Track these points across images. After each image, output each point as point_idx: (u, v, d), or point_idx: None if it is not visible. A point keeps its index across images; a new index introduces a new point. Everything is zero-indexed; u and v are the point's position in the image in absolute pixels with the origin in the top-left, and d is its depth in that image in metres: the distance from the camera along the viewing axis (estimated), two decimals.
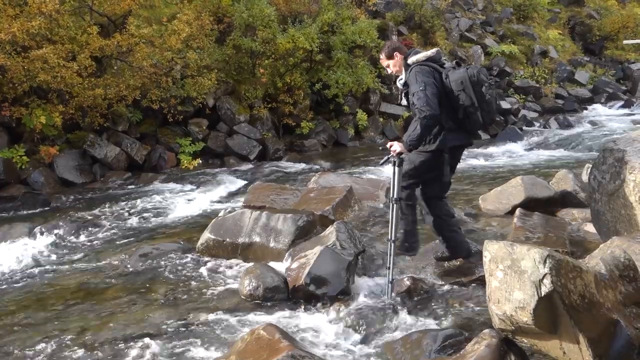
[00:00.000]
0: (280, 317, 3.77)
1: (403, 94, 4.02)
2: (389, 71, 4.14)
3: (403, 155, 3.91)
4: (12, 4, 8.44)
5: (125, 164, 9.61)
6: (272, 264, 4.52)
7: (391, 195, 3.93)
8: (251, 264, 4.67)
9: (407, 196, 4.05)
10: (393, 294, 3.86)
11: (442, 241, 4.26)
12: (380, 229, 5.56)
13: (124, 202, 7.64)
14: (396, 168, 3.88)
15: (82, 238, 6.09)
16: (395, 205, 3.89)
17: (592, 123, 15.04)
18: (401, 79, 4.02)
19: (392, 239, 3.90)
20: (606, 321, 2.47)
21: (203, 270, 4.76)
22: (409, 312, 3.68)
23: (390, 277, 3.88)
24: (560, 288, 2.36)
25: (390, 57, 4.08)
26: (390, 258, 3.89)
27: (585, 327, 2.39)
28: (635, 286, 2.68)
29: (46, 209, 7.57)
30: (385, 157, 3.99)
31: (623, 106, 17.83)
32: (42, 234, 6.09)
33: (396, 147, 3.87)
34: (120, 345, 3.49)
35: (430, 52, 3.92)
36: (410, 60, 3.92)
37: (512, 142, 12.63)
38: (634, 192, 3.62)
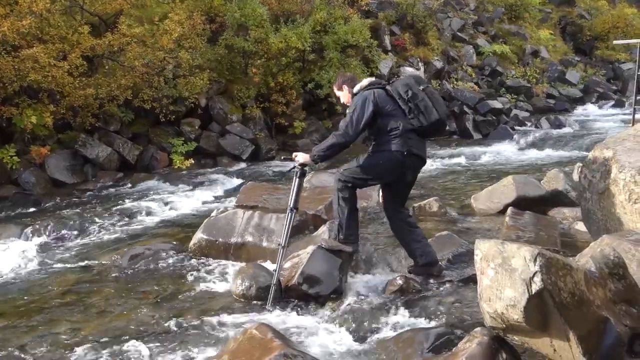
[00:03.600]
0: (273, 316, 3.77)
1: None
2: (342, 101, 4.31)
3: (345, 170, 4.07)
4: (2, 3, 8.37)
5: (117, 164, 9.56)
6: (264, 263, 4.52)
7: (289, 204, 4.04)
8: (244, 263, 4.67)
9: (344, 188, 4.09)
10: (273, 299, 3.88)
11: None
12: (374, 229, 5.57)
13: (116, 203, 7.61)
14: (297, 179, 4.01)
15: (74, 238, 6.06)
16: (291, 213, 4.03)
17: (583, 123, 15.15)
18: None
19: (283, 244, 4.01)
20: (596, 319, 2.50)
21: (195, 271, 4.75)
22: (401, 311, 3.69)
23: (275, 280, 3.90)
24: (550, 286, 2.38)
25: (340, 89, 4.26)
26: (279, 262, 3.97)
27: (575, 324, 2.41)
28: (625, 284, 2.70)
29: (37, 209, 7.52)
30: (291, 167, 4.15)
31: (613, 106, 17.97)
32: (33, 234, 6.06)
33: (300, 157, 4.02)
34: (111, 346, 3.48)
35: (370, 79, 4.15)
36: (355, 90, 4.11)
37: (503, 142, 12.70)
38: (623, 191, 3.66)
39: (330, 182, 6.50)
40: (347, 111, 3.97)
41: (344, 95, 4.23)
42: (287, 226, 4.06)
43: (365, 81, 4.11)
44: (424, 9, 16.97)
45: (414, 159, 3.96)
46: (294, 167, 4.07)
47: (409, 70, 14.96)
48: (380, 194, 4.33)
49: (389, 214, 4.21)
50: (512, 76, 17.87)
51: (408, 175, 4.00)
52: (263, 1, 12.44)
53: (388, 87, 4.03)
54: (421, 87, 3.93)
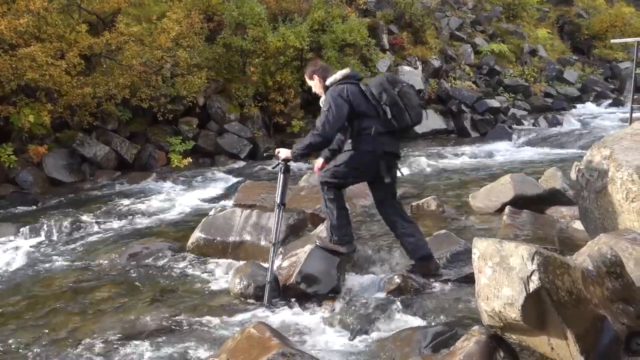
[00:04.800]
0: (271, 315, 3.77)
1: None
2: (313, 90, 4.27)
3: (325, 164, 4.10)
4: (0, 1, 8.35)
5: (115, 163, 9.55)
6: (262, 262, 4.52)
7: (276, 200, 4.05)
8: (242, 262, 4.67)
9: (328, 190, 4.09)
10: (269, 297, 3.89)
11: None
12: (372, 228, 5.57)
13: (114, 201, 7.60)
14: (281, 174, 4.02)
15: (71, 238, 6.05)
16: (278, 209, 4.02)
17: (581, 121, 15.17)
18: (322, 100, 4.08)
19: (274, 241, 4.04)
20: (593, 317, 2.50)
21: (193, 270, 4.75)
22: (399, 310, 3.70)
23: (269, 277, 3.92)
24: (548, 284, 2.38)
25: (310, 78, 4.22)
26: (272, 259, 3.99)
27: (573, 323, 2.42)
28: (622, 282, 2.71)
29: (35, 208, 7.51)
30: (275, 164, 4.17)
31: (611, 105, 17.99)
32: (30, 233, 6.05)
33: (283, 153, 4.04)
34: (109, 345, 3.48)
35: (345, 70, 4.08)
36: (328, 82, 4.06)
37: (501, 141, 12.71)
38: (620, 190, 3.66)
39: None
40: (322, 108, 3.93)
41: (314, 85, 4.19)
42: (276, 223, 4.07)
43: (339, 74, 4.03)
44: (422, 7, 16.96)
45: (388, 156, 3.98)
46: (278, 164, 4.08)
47: (407, 69, 14.97)
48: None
49: (379, 209, 4.21)
50: (510, 75, 17.88)
51: (384, 172, 3.98)
52: (261, 0, 12.42)
53: (362, 85, 4.00)
54: (396, 90, 3.89)
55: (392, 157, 4.03)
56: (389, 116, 3.86)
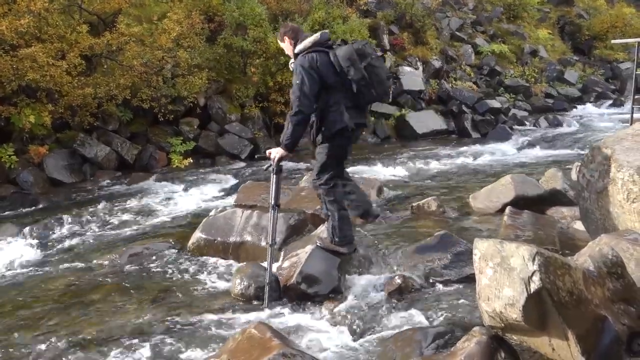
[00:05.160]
0: (272, 316, 3.77)
1: None
2: (285, 52, 4.15)
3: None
4: (0, 2, 8.35)
5: (115, 163, 9.55)
6: (263, 263, 4.52)
7: (270, 202, 3.99)
8: (242, 263, 4.67)
9: (328, 191, 4.07)
10: (269, 299, 3.88)
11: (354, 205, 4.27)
12: (372, 228, 5.57)
13: (115, 202, 7.60)
14: (274, 176, 3.96)
15: (72, 238, 6.05)
16: (273, 211, 3.98)
17: (581, 122, 15.16)
18: (292, 64, 4.01)
19: (271, 242, 4.00)
20: (594, 317, 2.50)
21: (194, 270, 4.75)
22: (400, 310, 3.69)
23: (268, 278, 3.90)
24: (549, 285, 2.38)
25: (282, 40, 4.08)
26: (270, 260, 3.97)
27: (574, 323, 2.42)
28: (623, 283, 2.71)
29: (35, 208, 7.51)
30: (267, 165, 4.07)
31: (612, 105, 17.98)
32: (31, 234, 6.05)
33: (274, 153, 3.94)
34: (109, 346, 3.48)
35: (315, 37, 3.89)
36: (297, 49, 3.92)
37: (502, 141, 12.70)
38: (621, 190, 3.66)
39: None
40: (294, 80, 3.81)
41: (285, 47, 4.07)
42: (272, 224, 4.04)
43: (308, 41, 3.87)
44: (422, 8, 16.97)
45: (358, 128, 4.02)
46: (270, 165, 4.01)
47: (408, 69, 14.97)
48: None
49: (337, 181, 4.10)
50: (511, 75, 17.88)
51: (354, 142, 4.09)
52: (261, 0, 12.43)
53: (331, 54, 3.83)
54: (363, 64, 3.77)
55: (361, 126, 4.07)
56: (354, 91, 3.81)
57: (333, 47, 3.89)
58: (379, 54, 3.76)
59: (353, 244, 4.25)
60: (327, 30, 4.07)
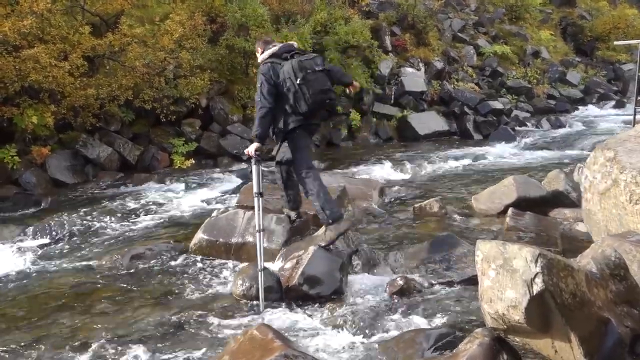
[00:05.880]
0: (274, 317, 3.77)
1: None
2: None
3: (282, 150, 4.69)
4: (4, 3, 8.37)
5: (117, 164, 9.56)
6: (265, 264, 4.52)
7: (254, 190, 4.26)
8: (244, 264, 4.67)
9: (305, 175, 4.52)
10: (264, 302, 3.95)
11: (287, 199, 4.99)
12: (374, 229, 5.57)
13: (117, 203, 7.61)
14: (254, 166, 4.29)
15: (74, 239, 6.06)
16: (257, 198, 4.22)
17: (584, 123, 15.14)
18: None
19: (258, 228, 4.15)
20: (597, 319, 2.49)
21: (196, 271, 4.75)
22: (402, 312, 3.69)
23: (261, 265, 4.02)
24: (551, 287, 2.38)
25: (257, 51, 4.69)
26: (260, 247, 4.10)
27: (577, 325, 2.41)
28: (626, 285, 2.70)
29: (38, 209, 7.51)
30: (247, 158, 4.62)
31: (614, 107, 17.95)
32: (33, 234, 6.05)
33: (250, 148, 4.30)
34: (112, 346, 3.48)
35: (273, 49, 4.46)
36: (260, 59, 4.52)
37: (504, 142, 12.68)
38: (624, 192, 3.65)
39: (330, 182, 6.51)
40: (257, 84, 4.40)
41: (259, 57, 4.59)
42: (258, 211, 4.18)
43: (267, 53, 4.44)
44: (424, 9, 16.96)
45: (312, 127, 4.60)
46: (249, 158, 4.33)
47: (410, 70, 14.96)
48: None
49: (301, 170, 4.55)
50: (513, 77, 17.87)
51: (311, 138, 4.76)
52: (264, 1, 12.44)
53: (284, 65, 4.31)
54: (299, 77, 4.21)
55: (313, 126, 4.63)
56: (291, 102, 4.30)
57: (295, 56, 4.39)
58: (321, 68, 4.27)
59: (342, 215, 4.47)
60: (292, 42, 4.68)
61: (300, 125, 4.43)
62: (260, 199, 4.20)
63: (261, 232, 4.13)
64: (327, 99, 4.34)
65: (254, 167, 4.27)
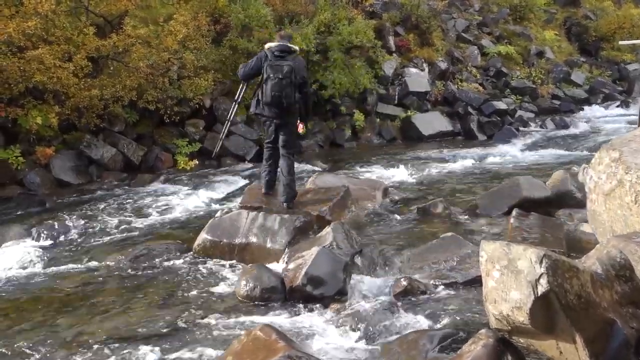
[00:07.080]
0: (277, 317, 3.77)
1: None
2: None
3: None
4: (8, 4, 8.40)
5: (121, 164, 9.57)
6: (269, 264, 4.52)
7: (235, 99, 6.02)
8: (248, 264, 4.67)
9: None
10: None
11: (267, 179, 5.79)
12: (378, 230, 5.56)
13: (121, 203, 7.62)
14: (236, 105, 6.15)
15: (78, 239, 6.07)
16: (234, 104, 6.10)
17: (589, 124, 15.08)
18: None
19: (236, 99, 6.05)
20: (602, 321, 2.48)
21: (200, 271, 4.75)
22: (406, 313, 3.68)
23: (222, 135, 6.15)
24: (556, 288, 2.36)
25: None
26: (231, 114, 6.42)
27: (582, 326, 2.40)
28: (631, 286, 2.68)
29: (42, 209, 7.53)
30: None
31: (619, 107, 17.87)
32: (37, 235, 6.07)
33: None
34: (115, 347, 3.48)
35: (270, 44, 5.41)
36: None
37: (508, 143, 12.64)
38: (630, 192, 3.63)
39: (334, 182, 6.50)
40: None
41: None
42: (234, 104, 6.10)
43: (267, 46, 5.40)
44: (428, 9, 16.92)
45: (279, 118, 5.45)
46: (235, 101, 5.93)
47: (413, 71, 14.93)
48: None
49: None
50: (517, 77, 17.80)
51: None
52: (267, 2, 12.43)
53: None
54: (271, 76, 5.11)
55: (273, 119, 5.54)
56: (260, 95, 5.31)
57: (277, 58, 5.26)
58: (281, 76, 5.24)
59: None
60: (288, 44, 5.39)
61: (275, 115, 5.44)
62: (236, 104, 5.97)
63: (236, 102, 6.00)
64: (275, 99, 5.19)
65: (235, 105, 6.10)
